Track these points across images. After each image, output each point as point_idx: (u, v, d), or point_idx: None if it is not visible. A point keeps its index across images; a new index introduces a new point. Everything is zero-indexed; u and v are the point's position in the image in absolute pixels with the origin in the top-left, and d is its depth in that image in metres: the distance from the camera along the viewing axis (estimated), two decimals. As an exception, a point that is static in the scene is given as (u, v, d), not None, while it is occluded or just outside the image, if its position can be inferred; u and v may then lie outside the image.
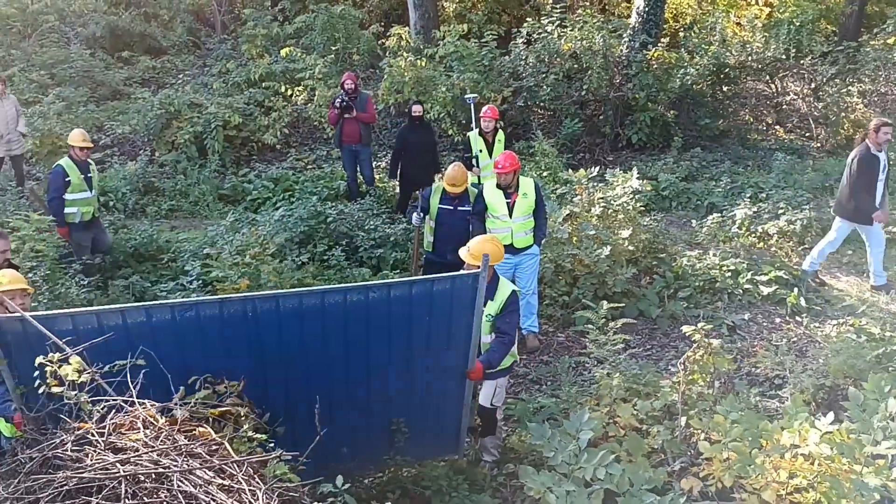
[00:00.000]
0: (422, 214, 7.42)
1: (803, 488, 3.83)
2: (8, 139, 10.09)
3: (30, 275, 6.72)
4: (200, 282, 7.18)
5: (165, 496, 2.68)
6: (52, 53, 15.09)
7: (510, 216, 6.98)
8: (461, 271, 5.38)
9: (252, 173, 11.59)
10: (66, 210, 7.80)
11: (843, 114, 13.29)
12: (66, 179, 7.77)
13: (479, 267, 5.16)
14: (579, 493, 3.65)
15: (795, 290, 7.85)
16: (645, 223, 8.80)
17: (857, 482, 3.67)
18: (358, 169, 10.48)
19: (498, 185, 7.02)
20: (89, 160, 8.07)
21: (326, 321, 3.96)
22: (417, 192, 9.23)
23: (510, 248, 6.93)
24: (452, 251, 7.07)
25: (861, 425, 3.94)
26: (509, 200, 6.97)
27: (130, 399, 3.37)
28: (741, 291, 8.01)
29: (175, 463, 2.80)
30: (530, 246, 7.12)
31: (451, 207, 7.26)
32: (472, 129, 9.21)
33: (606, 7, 17.94)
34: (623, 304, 7.37)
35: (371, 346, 4.19)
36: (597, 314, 5.99)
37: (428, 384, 4.63)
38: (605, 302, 6.16)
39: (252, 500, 2.54)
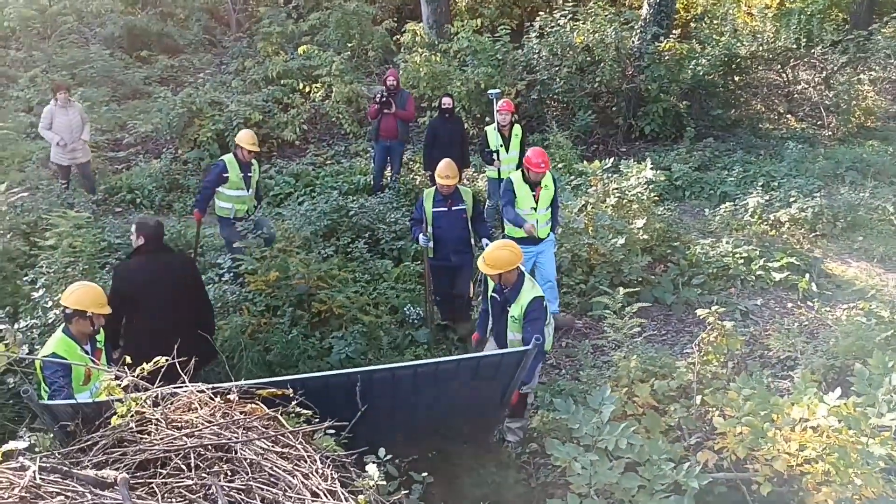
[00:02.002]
0: (428, 236, 7.20)
1: (812, 459, 4.07)
2: (72, 147, 9.99)
3: (67, 269, 7.02)
4: (231, 274, 7.46)
5: (228, 465, 2.95)
6: (72, 54, 15.31)
7: (536, 209, 7.24)
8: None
9: (273, 169, 11.85)
10: (222, 204, 8.02)
11: (853, 102, 13.42)
12: (225, 175, 7.94)
13: (497, 277, 5.41)
14: (602, 462, 3.91)
15: (807, 275, 8.06)
16: (659, 213, 9.02)
17: (864, 452, 3.91)
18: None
19: (525, 180, 7.23)
20: (252, 161, 8.17)
21: (437, 379, 4.85)
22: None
23: (534, 240, 7.23)
24: (454, 252, 7.20)
25: (867, 399, 4.16)
26: (535, 193, 7.21)
27: (183, 385, 3.64)
28: (754, 278, 8.23)
29: (235, 435, 3.07)
30: (548, 235, 7.39)
31: (446, 209, 7.15)
32: (491, 124, 9.43)
33: (617, -1, 18.08)
34: (639, 290, 7.60)
35: (453, 392, 4.98)
36: (613, 300, 6.21)
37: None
38: (621, 288, 6.38)
39: (311, 464, 2.83)
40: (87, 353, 4.72)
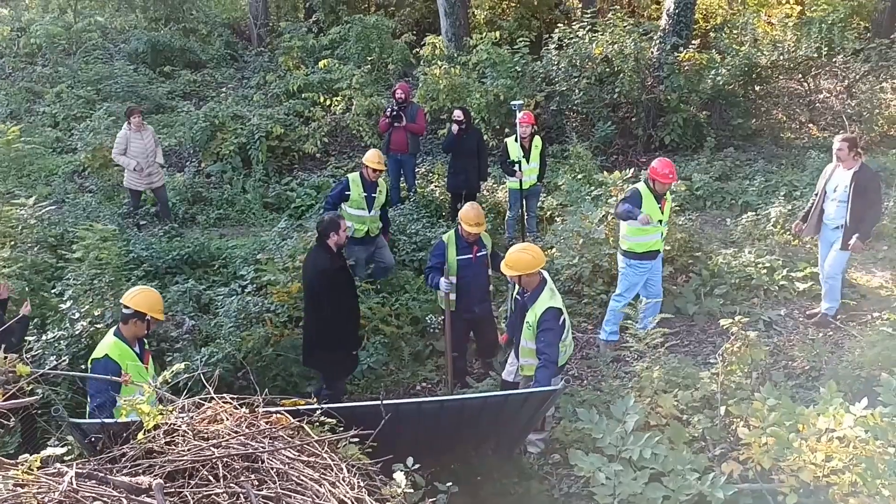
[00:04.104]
0: (451, 281, 6.44)
1: (839, 469, 4.04)
2: (149, 172, 9.93)
3: (94, 282, 7.12)
4: (254, 286, 7.53)
5: (256, 475, 2.98)
6: (97, 69, 15.59)
7: (662, 221, 7.13)
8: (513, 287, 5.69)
9: (294, 182, 11.97)
10: None
11: (876, 111, 13.31)
12: (347, 193, 7.93)
13: (517, 279, 5.48)
14: (626, 473, 3.91)
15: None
16: (680, 223, 8.98)
17: (891, 463, 3.88)
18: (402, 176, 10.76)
19: (652, 192, 7.04)
20: (378, 181, 8.06)
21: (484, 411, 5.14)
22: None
23: (652, 255, 7.13)
24: (478, 302, 6.67)
25: (893, 409, 4.14)
26: (660, 206, 7.06)
27: (209, 396, 3.68)
28: (777, 288, 8.17)
29: (262, 444, 3.11)
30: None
31: (471, 256, 6.49)
32: (511, 135, 9.46)
33: (636, 10, 18.09)
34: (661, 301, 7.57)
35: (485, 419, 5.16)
36: (636, 310, 6.21)
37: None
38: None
39: (337, 473, 2.85)
40: (137, 354, 4.81)
